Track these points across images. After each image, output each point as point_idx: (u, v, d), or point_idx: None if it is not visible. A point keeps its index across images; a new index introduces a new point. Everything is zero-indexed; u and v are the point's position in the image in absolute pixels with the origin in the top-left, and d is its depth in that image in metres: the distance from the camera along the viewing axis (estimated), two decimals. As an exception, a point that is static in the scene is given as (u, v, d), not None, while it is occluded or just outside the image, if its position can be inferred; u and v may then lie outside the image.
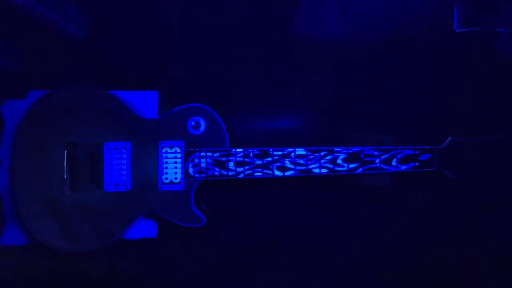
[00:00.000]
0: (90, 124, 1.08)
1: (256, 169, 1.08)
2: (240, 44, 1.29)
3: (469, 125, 1.24)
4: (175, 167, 1.08)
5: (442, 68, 1.27)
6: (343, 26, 1.29)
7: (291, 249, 1.24)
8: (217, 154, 1.09)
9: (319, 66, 1.29)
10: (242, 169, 1.08)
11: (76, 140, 1.07)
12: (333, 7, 1.28)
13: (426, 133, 1.22)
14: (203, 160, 1.09)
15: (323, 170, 1.08)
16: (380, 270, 1.23)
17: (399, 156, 1.08)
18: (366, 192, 1.25)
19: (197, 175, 1.08)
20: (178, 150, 1.09)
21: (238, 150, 1.09)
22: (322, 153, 1.09)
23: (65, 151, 1.07)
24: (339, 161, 1.08)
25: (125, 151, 1.08)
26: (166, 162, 1.08)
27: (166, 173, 1.08)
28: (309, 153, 1.09)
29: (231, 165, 1.08)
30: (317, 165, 1.08)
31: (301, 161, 1.08)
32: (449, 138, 1.09)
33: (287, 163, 1.08)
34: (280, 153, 1.09)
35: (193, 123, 1.10)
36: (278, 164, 1.09)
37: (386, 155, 1.08)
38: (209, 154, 1.09)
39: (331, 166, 1.08)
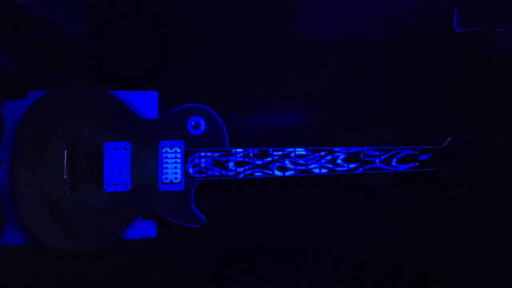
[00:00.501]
0: (90, 124, 1.08)
1: (256, 169, 1.08)
2: (240, 44, 1.29)
3: (469, 125, 1.24)
4: (175, 167, 1.08)
5: (442, 68, 1.27)
6: (343, 26, 1.29)
7: (291, 249, 1.24)
8: (217, 154, 1.09)
9: (319, 66, 1.29)
10: (242, 169, 1.08)
11: (76, 140, 1.07)
12: (333, 7, 1.28)
13: (426, 133, 1.22)
14: (203, 160, 1.09)
15: (323, 170, 1.08)
16: (380, 270, 1.23)
17: (399, 156, 1.08)
18: (366, 192, 1.25)
19: (197, 175, 1.08)
20: (178, 150, 1.09)
21: (238, 150, 1.09)
22: (322, 153, 1.09)
23: (65, 151, 1.07)
24: (339, 161, 1.08)
25: (125, 151, 1.08)
26: (166, 162, 1.08)
27: (166, 173, 1.08)
28: (309, 153, 1.09)
29: (231, 165, 1.08)
30: (317, 165, 1.08)
31: (301, 161, 1.08)
32: (449, 138, 1.09)
33: (287, 163, 1.08)
34: (280, 153, 1.09)
35: (193, 123, 1.10)
36: (278, 164, 1.09)
37: (386, 155, 1.08)
38: (209, 154, 1.09)
39: (331, 166, 1.08)
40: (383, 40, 1.28)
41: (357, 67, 1.29)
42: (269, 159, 1.09)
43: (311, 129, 1.27)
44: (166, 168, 1.08)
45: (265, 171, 1.08)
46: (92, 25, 1.26)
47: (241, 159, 1.09)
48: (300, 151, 1.09)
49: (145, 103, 1.18)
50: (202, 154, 1.09)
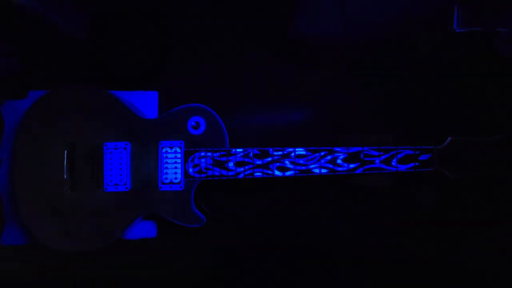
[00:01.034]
0: (90, 124, 1.08)
1: (256, 169, 1.08)
2: (240, 44, 1.29)
3: (469, 125, 1.24)
4: (175, 167, 1.08)
5: (442, 68, 1.27)
6: (343, 26, 1.29)
7: (291, 248, 1.24)
8: (217, 154, 1.09)
9: (319, 66, 1.29)
10: (242, 169, 1.08)
11: (76, 140, 1.07)
12: (333, 7, 1.28)
13: (426, 133, 1.22)
14: (203, 160, 1.09)
15: (323, 170, 1.08)
16: (380, 269, 1.23)
17: (399, 156, 1.08)
18: (366, 192, 1.25)
19: (197, 175, 1.08)
20: (178, 150, 1.09)
21: (238, 150, 1.09)
22: (322, 153, 1.09)
23: (65, 151, 1.07)
24: (339, 161, 1.08)
25: (125, 151, 1.08)
26: (166, 162, 1.08)
27: (166, 173, 1.08)
28: (309, 153, 1.09)
29: (231, 165, 1.08)
30: (317, 165, 1.08)
31: (301, 161, 1.08)
32: (449, 138, 1.09)
33: (287, 163, 1.08)
34: (280, 153, 1.09)
35: (193, 123, 1.10)
36: (278, 164, 1.09)
37: (386, 155, 1.09)
38: (209, 154, 1.09)
39: (331, 166, 1.08)
40: (383, 40, 1.28)
41: (357, 67, 1.29)
42: (269, 159, 1.09)
43: (311, 129, 1.27)
44: (166, 168, 1.08)
45: (265, 171, 1.08)
46: (92, 25, 1.26)
47: (241, 159, 1.09)
48: (300, 151, 1.09)
49: (145, 103, 1.18)
50: (202, 154, 1.09)
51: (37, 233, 1.05)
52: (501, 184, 1.20)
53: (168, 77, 1.27)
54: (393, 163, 1.08)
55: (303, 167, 1.08)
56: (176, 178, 1.08)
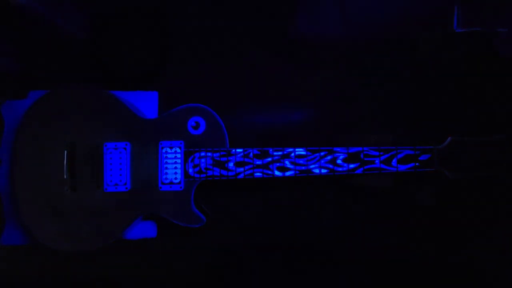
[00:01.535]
0: (90, 124, 1.08)
1: (256, 169, 1.08)
2: (240, 44, 1.28)
3: (469, 125, 1.24)
4: (175, 167, 1.08)
5: (442, 68, 1.27)
6: (343, 26, 1.29)
7: (291, 248, 1.24)
8: (217, 154, 1.09)
9: (319, 66, 1.29)
10: (242, 169, 1.08)
11: (76, 140, 1.07)
12: (333, 7, 1.28)
13: (426, 133, 1.22)
14: (203, 160, 1.09)
15: (323, 170, 1.08)
16: (380, 269, 1.23)
17: (399, 156, 1.08)
18: (366, 192, 1.25)
19: (197, 175, 1.08)
20: (178, 150, 1.09)
21: (238, 150, 1.09)
22: (322, 153, 1.09)
23: (65, 151, 1.07)
24: (339, 161, 1.08)
25: (125, 151, 1.08)
26: (166, 162, 1.08)
27: (166, 173, 1.08)
28: (309, 153, 1.09)
29: (231, 165, 1.08)
30: (317, 165, 1.08)
31: (301, 161, 1.08)
32: (449, 138, 1.09)
33: (287, 163, 1.08)
34: (280, 153, 1.09)
35: (193, 123, 1.10)
36: (278, 164, 1.09)
37: (386, 155, 1.08)
38: (209, 154, 1.09)
39: (331, 166, 1.08)
40: (383, 40, 1.28)
41: (357, 67, 1.29)
42: (269, 159, 1.09)
43: (311, 129, 1.27)
44: (166, 168, 1.08)
45: (265, 171, 1.08)
46: (92, 25, 1.26)
47: (241, 159, 1.09)
48: (300, 151, 1.09)
49: (145, 103, 1.18)
50: (202, 154, 1.09)
51: (37, 233, 1.05)
52: (501, 184, 1.20)
53: (168, 77, 1.27)
54: (393, 163, 1.08)
55: (303, 167, 1.08)
56: (176, 178, 1.08)
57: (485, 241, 1.22)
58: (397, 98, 1.27)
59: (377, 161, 1.08)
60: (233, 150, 1.09)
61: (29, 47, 1.23)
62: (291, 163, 1.08)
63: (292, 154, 1.09)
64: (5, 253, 1.17)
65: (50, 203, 1.05)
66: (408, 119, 1.26)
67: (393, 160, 1.08)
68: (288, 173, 1.08)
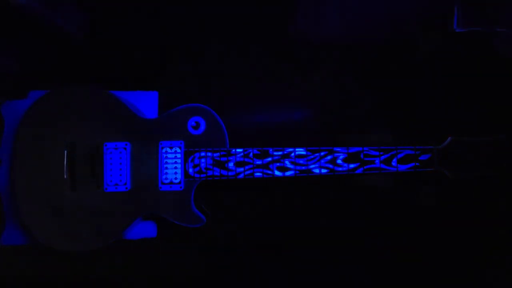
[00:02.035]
0: (90, 124, 1.08)
1: (256, 169, 1.08)
2: (240, 44, 1.29)
3: (469, 125, 1.24)
4: (175, 167, 1.08)
5: (442, 68, 1.27)
6: (343, 26, 1.29)
7: (291, 248, 1.24)
8: (217, 154, 1.09)
9: (319, 66, 1.29)
10: (242, 169, 1.08)
11: (76, 140, 1.07)
12: (333, 7, 1.28)
13: (426, 133, 1.22)
14: (203, 160, 1.09)
15: (323, 170, 1.08)
16: (380, 269, 1.23)
17: (399, 156, 1.08)
18: (366, 192, 1.25)
19: (197, 175, 1.08)
20: (178, 150, 1.09)
21: (238, 150, 1.09)
22: (322, 153, 1.09)
23: (65, 151, 1.07)
24: (339, 161, 1.08)
25: (125, 151, 1.08)
26: (166, 162, 1.08)
27: (166, 173, 1.08)
28: (309, 153, 1.09)
29: (231, 165, 1.08)
30: (317, 165, 1.08)
31: (301, 161, 1.08)
32: (449, 138, 1.09)
33: (287, 163, 1.08)
34: (280, 153, 1.09)
35: (193, 123, 1.10)
36: (278, 164, 1.09)
37: (386, 155, 1.08)
38: (209, 154, 1.09)
39: (331, 166, 1.08)
40: (383, 40, 1.28)
41: (357, 67, 1.29)
42: (269, 159, 1.09)
43: (311, 129, 1.27)
44: (166, 168, 1.08)
45: (265, 171, 1.08)
46: (92, 25, 1.26)
47: (241, 159, 1.09)
48: (300, 151, 1.09)
49: (145, 103, 1.18)
50: (202, 154, 1.09)
51: (37, 233, 1.05)
52: (501, 184, 1.20)
53: (168, 77, 1.27)
54: (393, 163, 1.08)
55: (303, 167, 1.08)
56: (176, 178, 1.08)
57: (485, 241, 1.22)
58: (397, 98, 1.27)
59: (377, 161, 1.08)
60: (233, 150, 1.09)
61: (29, 47, 1.23)
62: (291, 163, 1.08)
63: (292, 154, 1.09)
64: (5, 253, 1.17)
65: (50, 203, 1.05)
66: (408, 119, 1.26)
67: (393, 160, 1.08)
68: (288, 173, 1.08)
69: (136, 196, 1.07)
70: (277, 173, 1.09)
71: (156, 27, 1.28)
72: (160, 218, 1.08)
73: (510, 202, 1.22)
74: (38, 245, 1.06)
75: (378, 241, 1.23)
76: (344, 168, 1.08)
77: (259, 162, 1.08)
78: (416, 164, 1.08)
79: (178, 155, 1.09)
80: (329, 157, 1.08)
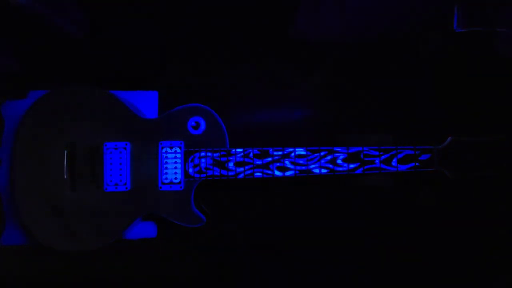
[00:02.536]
0: (90, 124, 1.08)
1: (256, 169, 1.08)
2: (240, 44, 1.29)
3: (469, 125, 1.24)
4: (175, 167, 1.08)
5: (442, 68, 1.27)
6: (343, 26, 1.29)
7: (291, 248, 1.24)
8: (217, 154, 1.09)
9: (319, 66, 1.29)
10: (242, 169, 1.08)
11: (76, 140, 1.07)
12: (333, 7, 1.28)
13: (426, 133, 1.22)
14: (203, 160, 1.09)
15: (323, 170, 1.08)
16: (380, 269, 1.23)
17: (399, 156, 1.08)
18: (366, 192, 1.25)
19: (197, 175, 1.08)
20: (178, 150, 1.09)
21: (238, 150, 1.09)
22: (322, 153, 1.09)
23: (65, 151, 1.07)
24: (339, 161, 1.08)
25: (125, 151, 1.08)
26: (166, 162, 1.08)
27: (166, 173, 1.08)
28: (309, 153, 1.09)
29: (231, 165, 1.08)
30: (317, 165, 1.08)
31: (301, 161, 1.08)
32: (449, 138, 1.09)
33: (287, 163, 1.08)
34: (280, 153, 1.09)
35: (193, 123, 1.10)
36: (278, 164, 1.09)
37: (386, 155, 1.08)
38: (209, 154, 1.09)
39: (331, 166, 1.08)
40: (383, 40, 1.28)
41: (357, 67, 1.29)
42: (269, 159, 1.09)
43: (311, 129, 1.27)
44: (166, 168, 1.08)
45: (265, 171, 1.08)
46: (92, 24, 1.26)
47: (241, 159, 1.09)
48: (300, 151, 1.09)
49: (145, 103, 1.18)
50: (202, 154, 1.09)
51: (37, 233, 1.05)
52: (501, 184, 1.20)
53: (168, 77, 1.27)
54: (393, 163, 1.08)
55: (303, 167, 1.08)
56: (176, 178, 1.08)
57: (485, 241, 1.22)
58: (397, 98, 1.27)
59: (377, 161, 1.08)
60: (233, 150, 1.09)
61: (29, 47, 1.23)
62: (291, 163, 1.08)
63: (292, 154, 1.09)
64: (5, 253, 1.17)
65: (50, 203, 1.05)
66: (408, 119, 1.26)
67: (393, 160, 1.08)
68: (288, 173, 1.08)
69: (136, 196, 1.07)
70: (277, 173, 1.09)
71: (156, 27, 1.28)
72: (160, 218, 1.08)
73: (510, 202, 1.22)
74: (38, 245, 1.06)
75: (378, 241, 1.23)
76: (344, 168, 1.08)
77: (259, 162, 1.09)
78: (416, 164, 1.08)
79: (178, 155, 1.09)
80: (329, 157, 1.08)
